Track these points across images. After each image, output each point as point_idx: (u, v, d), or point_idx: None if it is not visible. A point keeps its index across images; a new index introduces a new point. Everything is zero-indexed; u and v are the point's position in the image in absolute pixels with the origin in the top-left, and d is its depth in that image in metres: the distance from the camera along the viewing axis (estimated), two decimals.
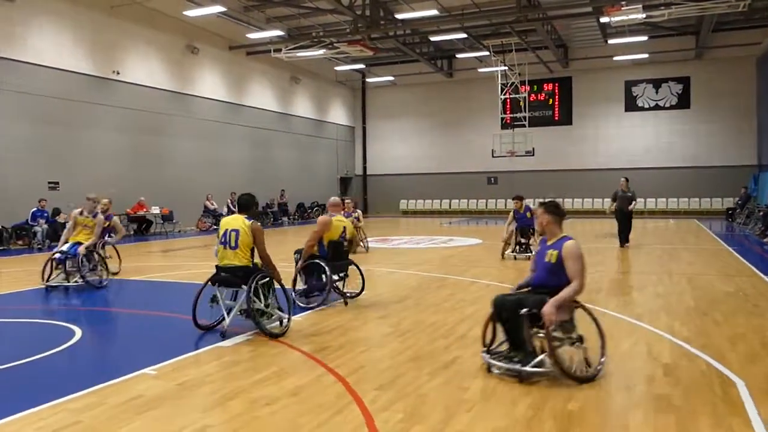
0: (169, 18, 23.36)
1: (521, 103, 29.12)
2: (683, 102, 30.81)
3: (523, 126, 29.07)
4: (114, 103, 21.58)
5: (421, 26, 25.92)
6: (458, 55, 31.80)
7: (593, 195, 31.50)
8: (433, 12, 23.68)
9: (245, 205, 6.78)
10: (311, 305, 8.02)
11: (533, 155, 29.27)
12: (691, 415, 4.26)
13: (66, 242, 9.99)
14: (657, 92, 31.15)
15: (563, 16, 24.93)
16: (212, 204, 24.57)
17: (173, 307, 8.29)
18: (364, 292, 8.78)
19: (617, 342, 6.17)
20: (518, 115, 29.23)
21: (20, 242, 17.81)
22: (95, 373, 5.49)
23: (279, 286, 6.74)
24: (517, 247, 13.58)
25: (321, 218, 8.41)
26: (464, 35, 26.88)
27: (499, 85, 29.20)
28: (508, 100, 29.96)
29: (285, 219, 28.78)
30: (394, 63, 33.58)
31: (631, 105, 31.66)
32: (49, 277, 9.69)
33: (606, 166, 31.15)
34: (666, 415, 4.25)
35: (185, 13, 22.36)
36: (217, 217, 24.56)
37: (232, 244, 6.49)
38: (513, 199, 13.92)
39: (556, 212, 5.32)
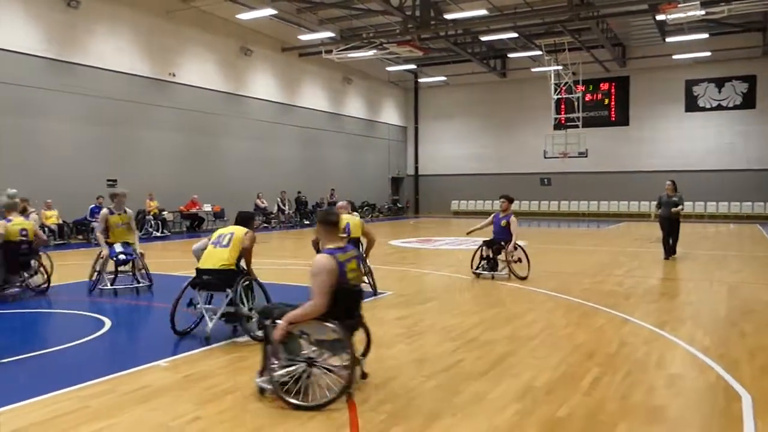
0: (223, 21, 24.05)
1: (576, 104, 28.57)
2: (748, 102, 29.50)
3: (577, 126, 28.52)
4: (170, 104, 22.42)
5: (471, 26, 25.79)
6: (510, 55, 31.46)
7: (650, 198, 30.50)
8: (483, 12, 23.50)
9: (245, 219, 6.84)
10: None
11: (586, 156, 28.66)
12: (682, 428, 4.18)
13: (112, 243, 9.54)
14: (720, 92, 29.95)
15: (617, 14, 24.29)
16: (262, 202, 25.14)
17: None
18: (389, 293, 8.90)
19: (630, 350, 6.06)
20: (572, 115, 28.71)
21: (80, 237, 18.75)
22: (114, 363, 5.80)
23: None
24: (483, 263, 10.74)
25: None
26: (515, 35, 26.58)
27: (552, 85, 28.70)
28: (563, 101, 29.46)
29: None
30: (447, 63, 33.47)
31: (691, 105, 30.55)
32: (114, 279, 9.64)
33: (664, 168, 30.10)
34: (654, 427, 4.19)
35: (238, 16, 22.96)
36: (267, 215, 25.16)
37: (225, 242, 6.54)
38: (500, 198, 11.04)
39: (324, 222, 4.93)
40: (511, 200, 10.88)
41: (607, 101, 32.32)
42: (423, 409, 4.42)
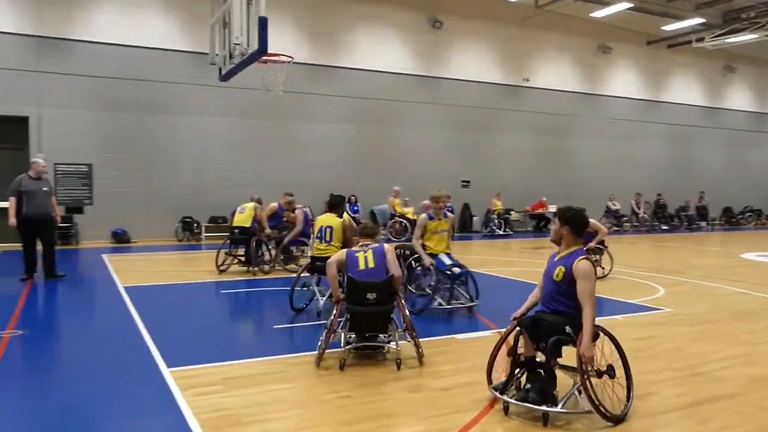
0: (578, 21, 23.78)
1: None
2: None
3: None
4: (522, 108, 23.31)
5: None
6: None
7: None
8: None
9: (335, 204, 7.95)
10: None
11: None
12: None
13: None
14: None
15: None
16: (614, 204, 24.09)
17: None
18: (667, 310, 8.03)
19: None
20: None
21: None
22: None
23: None
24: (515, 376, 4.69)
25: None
26: None
27: None
28: None
29: (703, 224, 26.06)
30: None
31: None
32: (451, 295, 8.11)
33: None
34: None
35: (593, 14, 22.49)
36: (618, 218, 23.99)
37: (327, 238, 7.63)
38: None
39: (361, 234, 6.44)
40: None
41: None
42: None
